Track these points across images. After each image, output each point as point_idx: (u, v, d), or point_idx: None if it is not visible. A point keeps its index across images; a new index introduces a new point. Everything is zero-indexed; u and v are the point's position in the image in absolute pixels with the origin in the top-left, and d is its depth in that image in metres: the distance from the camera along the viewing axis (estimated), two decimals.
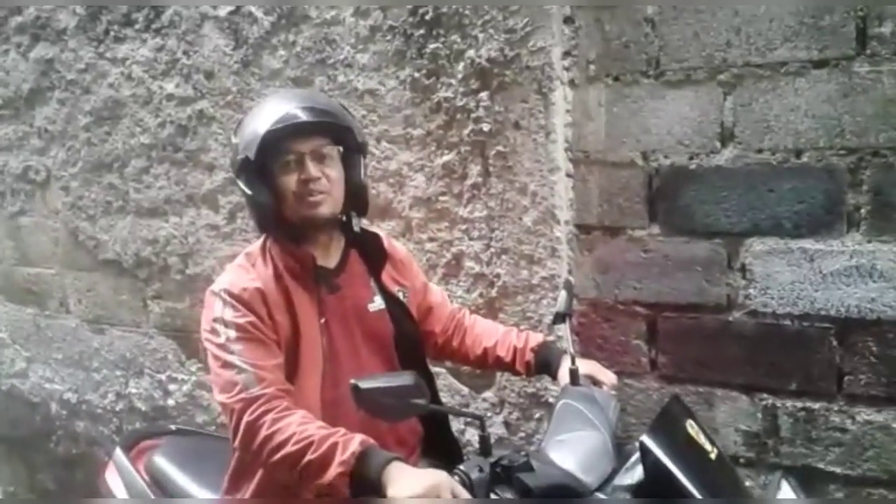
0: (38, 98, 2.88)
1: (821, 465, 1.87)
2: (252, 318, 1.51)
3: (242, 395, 1.46)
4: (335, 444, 1.35)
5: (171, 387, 2.88)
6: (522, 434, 2.21)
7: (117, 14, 2.61)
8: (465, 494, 1.28)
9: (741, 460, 1.95)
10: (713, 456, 1.40)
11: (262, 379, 1.47)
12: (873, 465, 1.82)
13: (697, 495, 1.30)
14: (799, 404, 1.87)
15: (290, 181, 1.53)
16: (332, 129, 1.57)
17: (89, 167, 2.83)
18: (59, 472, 3.25)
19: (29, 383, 3.26)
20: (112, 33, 2.64)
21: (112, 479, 2.08)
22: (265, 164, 1.53)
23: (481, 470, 1.32)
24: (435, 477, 1.27)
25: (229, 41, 2.42)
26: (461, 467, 1.32)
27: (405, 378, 1.34)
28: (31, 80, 2.86)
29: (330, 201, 1.57)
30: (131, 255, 2.83)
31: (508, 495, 1.31)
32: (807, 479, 1.88)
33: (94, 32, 2.68)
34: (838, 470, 1.86)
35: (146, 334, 2.90)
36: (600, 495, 1.39)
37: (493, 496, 1.31)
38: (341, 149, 1.58)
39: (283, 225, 1.59)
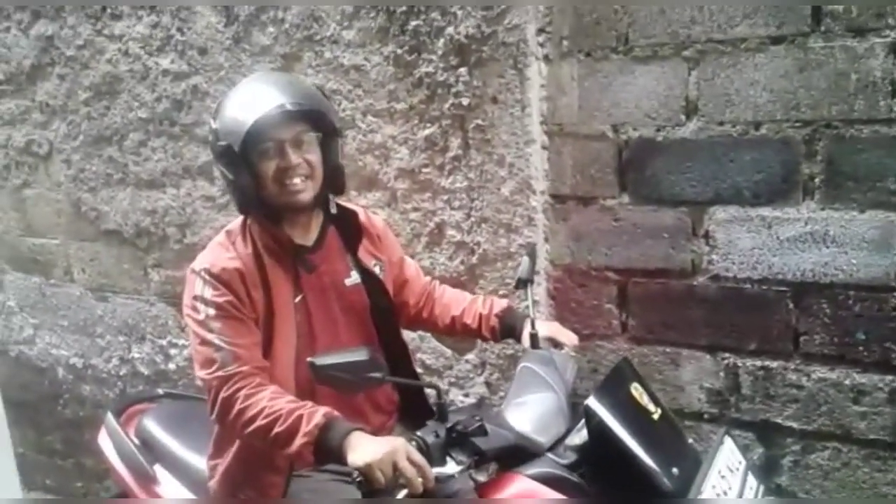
0: (39, 74, 2.97)
1: (778, 420, 1.98)
2: (230, 298, 1.59)
3: (219, 373, 1.55)
4: (300, 417, 1.46)
5: (172, 351, 3.01)
6: (502, 393, 2.33)
7: None
8: (420, 459, 1.37)
9: (705, 416, 2.07)
10: (656, 416, 1.52)
11: (237, 357, 1.56)
12: (827, 420, 1.93)
13: (638, 453, 1.42)
14: (758, 363, 1.98)
15: (270, 167, 1.58)
16: (311, 115, 1.61)
17: (90, 140, 2.93)
18: (67, 433, 3.38)
19: (36, 349, 3.39)
20: (109, 10, 2.72)
21: (104, 442, 2.19)
22: (245, 150, 1.57)
23: (437, 435, 1.41)
24: (392, 443, 1.37)
25: (221, 18, 2.50)
26: (418, 433, 1.42)
27: (361, 353, 1.42)
28: (31, 57, 2.95)
29: (310, 186, 1.63)
30: (131, 225, 2.94)
31: (463, 458, 1.41)
32: (765, 433, 2.01)
33: (91, 10, 2.76)
34: (795, 424, 1.97)
35: (147, 301, 3.01)
36: (551, 455, 1.50)
37: (448, 459, 1.41)
38: (320, 135, 1.63)
39: (264, 206, 1.64)
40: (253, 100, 1.58)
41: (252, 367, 1.57)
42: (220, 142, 1.60)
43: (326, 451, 1.43)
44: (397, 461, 1.34)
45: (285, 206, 1.63)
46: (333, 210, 1.74)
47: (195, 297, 1.61)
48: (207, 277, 1.60)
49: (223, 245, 1.68)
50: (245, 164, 1.59)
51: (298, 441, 1.44)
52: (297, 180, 1.60)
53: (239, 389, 1.53)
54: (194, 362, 1.64)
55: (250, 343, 1.60)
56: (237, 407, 1.52)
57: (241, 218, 1.73)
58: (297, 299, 1.67)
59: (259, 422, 1.49)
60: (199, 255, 1.71)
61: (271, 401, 1.51)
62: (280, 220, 1.67)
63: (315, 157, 1.63)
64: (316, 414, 1.46)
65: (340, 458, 1.41)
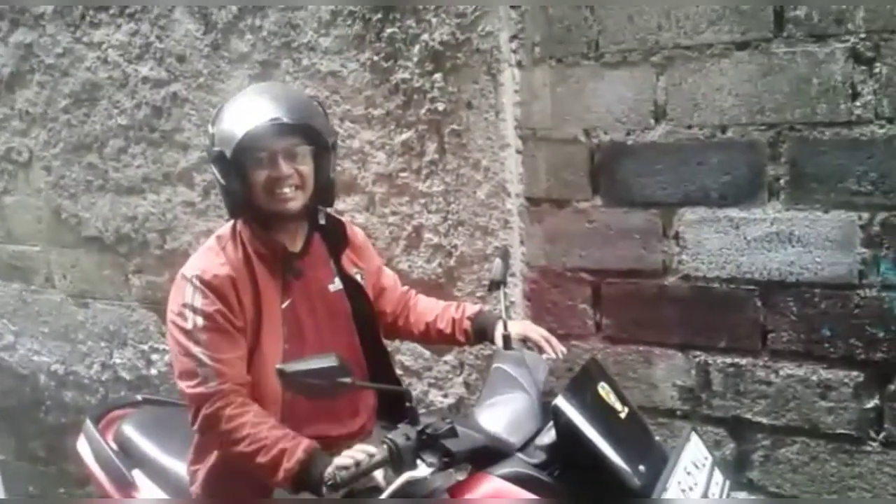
0: (18, 81, 2.98)
1: (749, 416, 2.03)
2: (220, 307, 1.59)
3: (201, 389, 1.56)
4: (283, 451, 1.51)
5: (154, 356, 3.02)
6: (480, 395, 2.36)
7: None
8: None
9: (677, 413, 2.11)
10: (623, 415, 1.55)
11: (220, 373, 1.57)
12: (795, 416, 1.98)
13: (606, 451, 1.45)
14: (728, 360, 2.03)
15: (261, 176, 1.60)
16: (305, 129, 1.63)
17: (70, 148, 2.94)
18: (50, 439, 3.38)
19: (17, 356, 3.40)
20: (88, 18, 2.74)
21: (83, 447, 2.19)
22: (238, 158, 1.59)
23: (408, 438, 1.42)
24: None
25: (199, 25, 2.53)
26: (389, 436, 1.43)
27: (330, 359, 1.42)
28: (11, 65, 2.96)
29: (300, 196, 1.65)
30: (112, 231, 2.95)
31: (433, 460, 1.43)
32: (736, 428, 2.05)
33: (70, 17, 2.78)
34: (764, 420, 2.02)
35: (128, 307, 3.03)
36: (521, 455, 1.53)
37: (419, 462, 1.43)
38: (313, 148, 1.65)
39: (253, 212, 1.67)
40: (250, 110, 1.60)
41: (234, 385, 1.58)
42: (214, 147, 1.63)
43: (306, 484, 1.49)
44: None
45: (274, 213, 1.66)
46: (322, 221, 1.77)
47: (184, 305, 1.61)
48: (198, 284, 1.60)
49: (213, 250, 1.68)
50: (237, 171, 1.62)
51: (281, 474, 1.50)
52: (286, 190, 1.62)
53: (222, 408, 1.56)
54: (175, 369, 1.65)
55: (234, 358, 1.61)
56: (221, 427, 1.55)
57: (230, 223, 1.74)
58: (285, 304, 1.69)
59: (242, 448, 1.53)
60: (189, 260, 1.72)
61: (255, 427, 1.54)
62: (270, 226, 1.70)
63: (307, 168, 1.65)
64: (298, 449, 1.51)
65: (319, 488, 1.47)
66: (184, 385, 1.60)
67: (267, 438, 1.52)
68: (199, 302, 1.59)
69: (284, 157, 1.61)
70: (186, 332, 1.59)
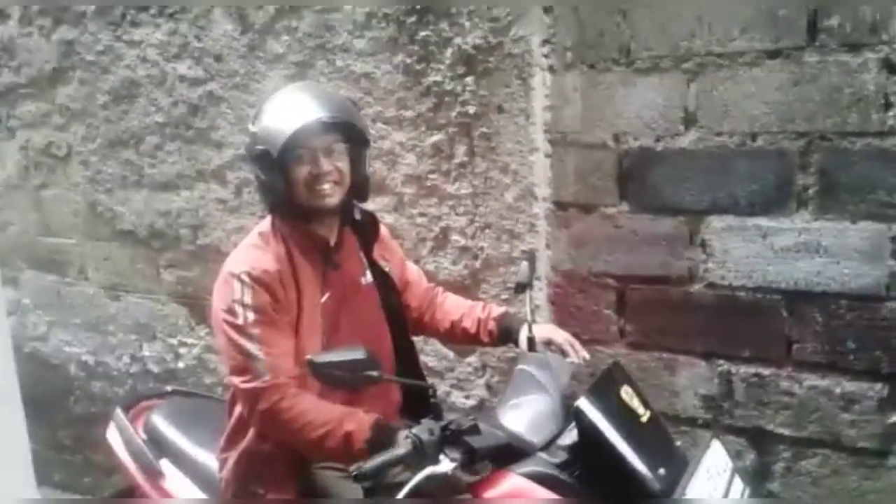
0: (59, 78, 3.05)
1: (771, 427, 2.02)
2: (270, 300, 1.63)
3: (255, 384, 1.60)
4: (349, 434, 1.55)
5: (182, 350, 3.07)
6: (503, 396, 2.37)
7: None
8: None
9: (699, 422, 2.11)
10: (645, 419, 1.56)
11: (273, 368, 1.61)
12: (817, 428, 1.96)
13: (626, 453, 1.46)
14: (752, 370, 2.02)
15: (303, 172, 1.66)
16: (344, 126, 1.69)
17: (107, 143, 3.01)
18: (77, 429, 3.44)
19: (50, 346, 3.47)
20: (129, 17, 2.81)
21: (112, 436, 2.25)
22: (282, 156, 1.64)
23: (432, 433, 1.45)
24: None
25: (237, 26, 2.58)
26: (413, 430, 1.46)
27: (358, 352, 1.46)
28: (53, 61, 3.04)
29: (338, 191, 1.71)
30: (146, 226, 3.01)
31: (456, 456, 1.45)
32: (758, 439, 2.04)
33: (112, 17, 2.84)
34: (786, 431, 2.00)
35: (159, 301, 3.08)
36: (543, 455, 1.54)
37: (441, 456, 1.45)
38: (349, 145, 1.71)
39: (292, 208, 1.72)
40: (293, 109, 1.66)
41: (286, 378, 1.62)
42: (257, 146, 1.68)
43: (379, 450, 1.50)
44: None
45: (314, 208, 1.71)
46: (357, 216, 1.82)
47: (234, 301, 1.64)
48: (248, 280, 1.64)
49: (258, 247, 1.73)
50: (280, 168, 1.66)
51: (354, 454, 1.53)
52: (326, 186, 1.68)
53: (278, 401, 1.59)
54: (226, 365, 1.69)
55: (286, 351, 1.65)
56: (282, 419, 1.59)
57: (268, 220, 1.79)
58: (324, 299, 1.73)
59: (308, 435, 1.57)
60: (231, 256, 1.75)
61: (315, 413, 1.58)
62: (309, 220, 1.74)
63: (344, 164, 1.71)
64: (364, 428, 1.55)
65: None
66: (237, 381, 1.63)
67: (330, 422, 1.56)
68: (248, 297, 1.63)
69: (324, 154, 1.66)
70: (238, 328, 1.63)
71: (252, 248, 1.73)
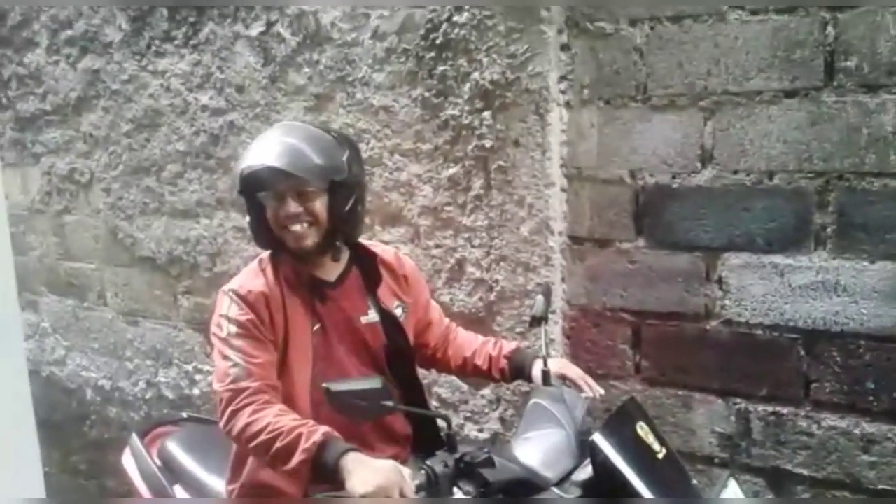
0: (84, 105, 3.11)
1: (789, 467, 1.99)
2: (252, 317, 1.68)
3: (231, 386, 1.63)
4: (300, 435, 1.52)
5: (197, 377, 3.08)
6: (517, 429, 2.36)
7: (158, 31, 2.83)
8: (411, 493, 1.41)
9: (715, 460, 2.08)
10: (661, 456, 1.54)
11: (251, 373, 1.64)
12: (836, 469, 1.94)
13: (641, 490, 1.44)
14: (769, 409, 2.00)
15: (269, 213, 1.68)
16: (302, 172, 1.64)
17: (129, 170, 3.06)
18: (92, 454, 3.46)
19: (67, 370, 3.50)
20: (153, 48, 2.86)
21: (128, 462, 2.26)
22: (247, 196, 1.70)
23: (446, 465, 1.45)
24: (386, 476, 1.41)
25: (259, 58, 2.62)
26: (428, 462, 1.45)
27: (374, 382, 1.49)
28: (78, 89, 3.10)
29: (313, 232, 1.68)
30: (165, 253, 3.04)
31: (470, 489, 1.44)
32: (776, 480, 2.02)
33: (137, 47, 2.90)
34: (805, 472, 1.98)
35: (176, 327, 3.11)
36: (557, 490, 1.53)
37: (455, 489, 1.45)
38: (320, 188, 1.65)
39: (277, 245, 1.74)
40: (251, 154, 1.68)
41: (263, 384, 1.64)
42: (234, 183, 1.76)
43: (322, 469, 1.48)
44: (390, 494, 1.39)
45: (290, 249, 1.72)
46: (342, 256, 1.79)
47: (221, 315, 1.71)
48: (234, 297, 1.71)
49: (254, 271, 1.78)
50: (253, 207, 1.72)
51: (297, 458, 1.50)
52: (296, 227, 1.67)
53: (248, 405, 1.61)
54: (214, 375, 1.73)
55: (265, 361, 1.68)
56: (243, 420, 1.60)
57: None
58: (315, 328, 1.76)
59: (262, 437, 1.56)
60: (230, 280, 1.80)
61: (276, 417, 1.58)
62: (300, 258, 1.75)
63: (320, 205, 1.67)
64: (315, 432, 1.52)
65: (336, 477, 1.45)
66: (217, 386, 1.67)
67: (285, 426, 1.54)
68: (233, 312, 1.70)
69: (293, 196, 1.65)
70: (223, 340, 1.69)
71: (248, 271, 1.79)
